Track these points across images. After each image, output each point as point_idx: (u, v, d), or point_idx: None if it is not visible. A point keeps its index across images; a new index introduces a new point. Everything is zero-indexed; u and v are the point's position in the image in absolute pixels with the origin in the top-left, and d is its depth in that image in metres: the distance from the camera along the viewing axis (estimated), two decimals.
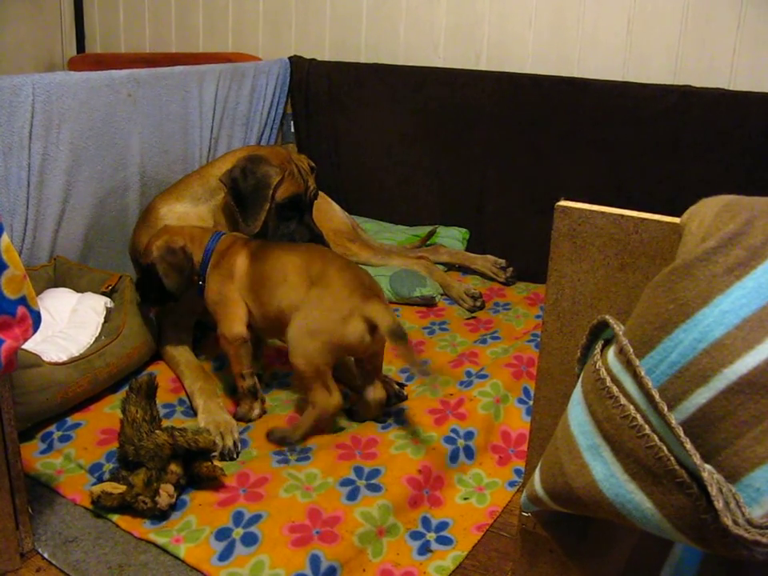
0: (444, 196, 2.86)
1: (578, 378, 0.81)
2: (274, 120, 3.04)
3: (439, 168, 2.84)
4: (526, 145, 2.64)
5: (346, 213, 2.77)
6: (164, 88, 2.52)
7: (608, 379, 0.73)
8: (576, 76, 2.57)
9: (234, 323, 1.84)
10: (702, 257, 0.72)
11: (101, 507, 1.50)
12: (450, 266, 2.69)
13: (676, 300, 0.71)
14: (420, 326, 2.31)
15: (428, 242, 2.77)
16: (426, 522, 1.52)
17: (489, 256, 2.65)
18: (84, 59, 3.49)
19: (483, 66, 2.78)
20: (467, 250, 2.77)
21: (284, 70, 3.02)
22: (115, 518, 1.49)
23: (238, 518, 1.47)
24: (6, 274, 1.22)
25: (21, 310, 1.26)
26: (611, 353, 0.74)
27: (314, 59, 3.04)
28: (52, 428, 1.76)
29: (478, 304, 2.42)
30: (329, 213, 2.69)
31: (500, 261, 2.62)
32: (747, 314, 0.69)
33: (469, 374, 2.00)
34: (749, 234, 0.72)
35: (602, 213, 0.82)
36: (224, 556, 1.38)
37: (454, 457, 1.69)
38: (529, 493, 0.83)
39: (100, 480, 1.59)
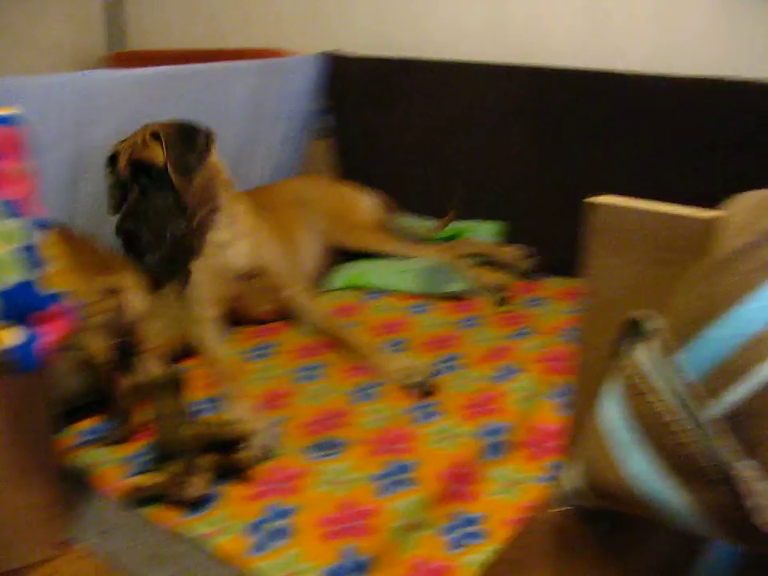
0: (478, 190, 2.85)
1: (613, 372, 0.80)
2: (307, 116, 3.05)
3: (473, 162, 2.83)
4: (560, 139, 2.62)
5: (377, 204, 2.77)
6: (196, 85, 2.53)
7: (639, 375, 0.72)
8: (610, 69, 2.54)
9: None
10: (737, 252, 0.71)
11: (135, 499, 1.52)
12: (477, 258, 2.67)
13: (711, 295, 0.71)
14: (452, 321, 2.30)
15: (458, 236, 2.76)
16: (458, 516, 1.52)
17: (513, 246, 2.64)
18: (118, 57, 3.53)
19: (518, 59, 2.75)
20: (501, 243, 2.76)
21: (317, 65, 3.01)
22: (150, 509, 1.51)
23: (270, 511, 1.48)
24: (44, 269, 1.25)
25: (58, 304, 1.29)
26: (646, 348, 0.74)
27: (347, 54, 3.03)
28: (86, 421, 1.79)
29: (505, 295, 2.43)
30: (354, 204, 2.71)
31: (524, 250, 2.60)
32: None
33: (502, 368, 2.00)
34: None
35: (635, 209, 0.81)
36: (257, 548, 1.39)
37: (487, 451, 1.68)
38: (564, 486, 0.83)
39: (134, 473, 1.61)
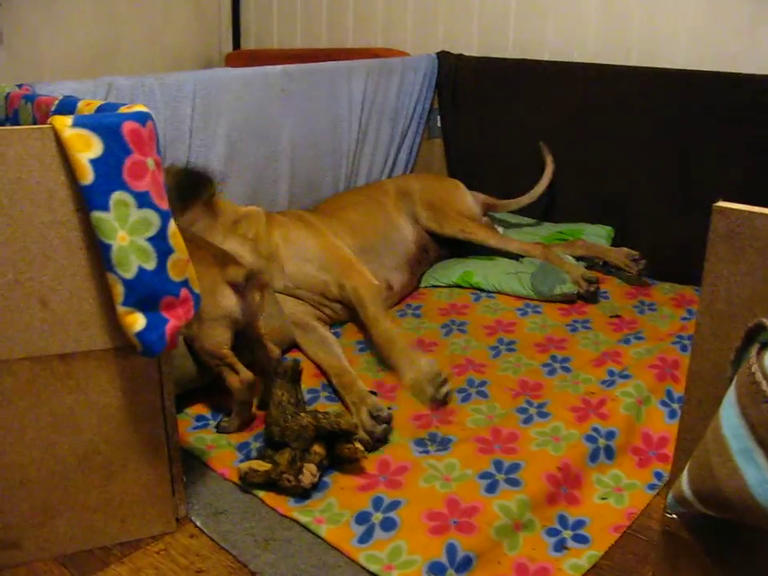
0: (589, 193, 2.81)
1: (731, 380, 0.78)
2: (420, 115, 3.07)
3: (585, 165, 2.79)
4: (675, 142, 2.55)
5: (477, 199, 2.79)
6: (314, 83, 2.59)
7: (764, 383, 0.71)
8: (730, 71, 2.45)
9: None
10: None
11: (248, 483, 1.57)
12: (587, 260, 2.63)
13: None
14: (562, 323, 2.28)
15: (569, 238, 2.72)
16: (562, 519, 1.51)
17: (623, 248, 2.57)
18: (239, 55, 3.64)
19: (634, 61, 2.70)
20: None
21: (431, 65, 3.03)
22: (261, 494, 1.56)
23: (377, 502, 1.50)
24: (172, 258, 1.31)
25: (184, 291, 1.35)
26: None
27: (461, 54, 3.03)
28: (207, 413, 1.86)
29: (592, 289, 2.39)
30: (457, 196, 2.74)
31: (633, 253, 2.54)
32: None
33: (611, 373, 1.96)
34: None
35: (762, 214, 0.79)
36: (364, 539, 1.42)
37: (594, 456, 1.66)
38: (676, 494, 0.82)
39: (248, 457, 1.67)
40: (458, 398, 1.90)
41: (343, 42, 3.49)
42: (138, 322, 1.29)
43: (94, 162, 1.21)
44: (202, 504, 1.55)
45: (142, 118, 1.26)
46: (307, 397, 1.91)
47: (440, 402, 1.78)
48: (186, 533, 1.50)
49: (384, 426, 1.72)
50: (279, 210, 2.57)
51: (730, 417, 0.75)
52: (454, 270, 2.58)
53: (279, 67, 2.48)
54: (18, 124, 1.64)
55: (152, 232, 1.27)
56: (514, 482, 1.56)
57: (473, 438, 1.71)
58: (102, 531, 1.46)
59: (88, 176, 1.21)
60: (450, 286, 2.56)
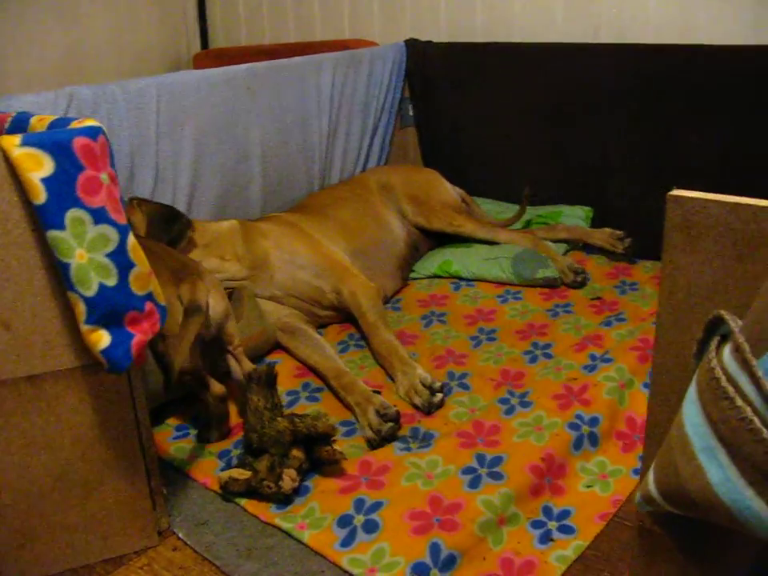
0: (566, 174, 2.79)
1: (697, 373, 0.77)
2: (391, 105, 3.04)
3: (560, 146, 2.77)
4: (650, 118, 2.53)
5: (458, 189, 2.76)
6: (282, 79, 2.56)
7: (723, 379, 0.69)
8: (701, 43, 2.43)
9: None
10: None
11: (229, 492, 1.56)
12: (570, 243, 2.62)
13: None
14: (543, 309, 2.26)
15: (548, 222, 2.71)
16: (547, 510, 1.50)
17: (606, 229, 2.56)
18: (207, 55, 3.60)
19: (603, 38, 2.67)
20: (591, 227, 2.69)
21: (400, 53, 3.00)
22: (243, 502, 1.55)
23: (359, 505, 1.49)
24: (134, 272, 1.29)
25: (148, 305, 1.33)
26: (727, 350, 0.70)
27: (429, 41, 3.00)
28: (184, 419, 1.85)
29: (579, 279, 2.37)
30: (437, 186, 2.71)
31: (617, 232, 2.52)
32: None
33: (593, 357, 1.95)
34: None
35: (717, 201, 0.77)
36: (346, 542, 1.41)
37: (577, 444, 1.65)
38: (643, 492, 0.80)
39: (229, 465, 1.66)
40: None
41: (311, 35, 3.46)
42: (102, 339, 1.27)
43: (45, 180, 1.18)
44: (184, 516, 1.54)
45: (93, 132, 1.23)
46: (287, 398, 1.90)
47: (434, 407, 1.81)
48: (170, 545, 1.49)
49: (390, 424, 1.71)
50: (253, 212, 2.55)
51: (691, 414, 0.74)
52: (432, 261, 2.57)
53: (244, 66, 2.45)
54: None
55: (111, 247, 1.25)
56: (497, 476, 1.55)
57: (455, 433, 1.70)
58: (84, 550, 1.44)
59: (40, 195, 1.18)
60: (429, 277, 2.54)
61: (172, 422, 1.84)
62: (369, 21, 3.27)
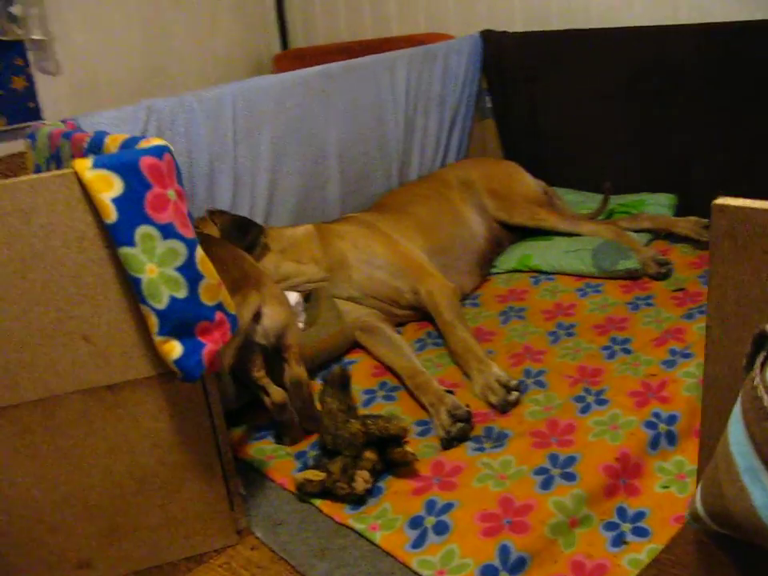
0: (648, 162, 2.71)
1: (744, 391, 0.75)
2: (468, 98, 3.02)
3: (642, 132, 2.69)
4: (735, 101, 2.43)
5: (539, 181, 2.72)
6: (356, 79, 2.58)
7: (766, 398, 0.67)
8: None
9: None
10: None
11: (304, 493, 1.60)
12: (654, 233, 2.55)
13: None
14: (624, 302, 2.21)
15: (630, 211, 2.64)
16: (621, 512, 1.47)
17: (691, 217, 2.48)
18: (287, 55, 3.66)
19: (683, 18, 2.58)
20: (675, 215, 2.61)
21: (475, 45, 2.98)
22: (318, 502, 1.58)
23: (430, 506, 1.50)
24: (203, 284, 1.33)
25: (218, 315, 1.37)
26: None
27: (505, 32, 2.96)
28: (265, 420, 1.89)
29: (664, 271, 2.30)
30: (519, 180, 2.68)
31: (703, 221, 2.44)
32: None
33: (673, 352, 1.90)
34: None
35: (764, 210, 0.75)
36: (417, 543, 1.43)
37: (654, 443, 1.62)
38: (691, 510, 0.79)
39: (305, 466, 1.70)
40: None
41: (388, 31, 3.46)
42: (175, 349, 1.32)
43: (115, 200, 1.24)
44: (261, 515, 1.59)
45: (158, 151, 1.28)
46: (364, 397, 1.93)
47: (510, 406, 1.80)
48: (248, 544, 1.54)
49: (461, 424, 1.71)
50: (331, 212, 2.59)
51: (736, 433, 0.72)
52: (512, 255, 2.54)
53: (318, 68, 2.48)
54: (60, 161, 1.70)
55: (180, 261, 1.30)
56: (570, 477, 1.53)
57: (529, 432, 1.69)
58: (167, 548, 1.51)
59: (112, 214, 1.24)
60: (509, 272, 2.52)
61: (252, 422, 1.89)
62: (444, 14, 3.25)
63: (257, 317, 1.77)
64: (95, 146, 1.50)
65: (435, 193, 2.56)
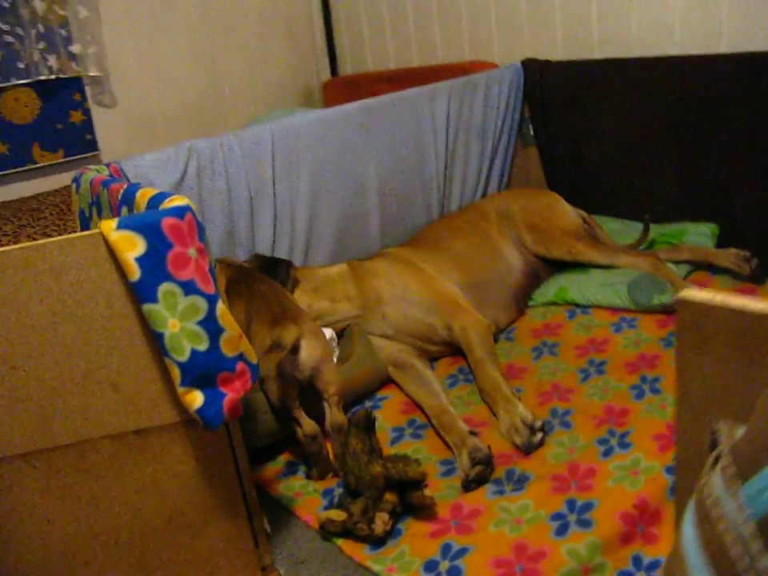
0: (690, 190, 2.69)
1: (697, 489, 0.77)
2: (510, 127, 3.04)
3: (684, 161, 2.67)
4: None
5: (579, 211, 2.71)
6: (396, 113, 2.63)
7: (710, 500, 0.69)
8: None
9: None
10: None
11: (327, 532, 1.65)
12: (695, 264, 2.53)
13: None
14: (658, 338, 2.21)
15: (671, 241, 2.63)
16: (637, 560, 1.48)
17: (731, 249, 2.45)
18: (335, 82, 3.73)
19: (725, 47, 2.56)
20: (717, 246, 2.58)
21: (517, 75, 3.00)
22: (340, 542, 1.63)
23: (446, 550, 1.54)
24: (224, 336, 1.39)
25: (240, 365, 1.43)
26: (720, 470, 0.70)
27: (546, 60, 2.98)
28: (296, 455, 1.96)
29: None
30: (558, 212, 2.67)
31: (743, 253, 2.41)
32: None
33: None
34: None
35: (723, 307, 0.77)
36: None
37: (674, 489, 1.61)
38: None
39: (331, 503, 1.75)
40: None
41: (434, 58, 3.50)
42: (196, 399, 1.38)
43: (139, 259, 1.31)
44: (285, 553, 1.64)
45: (180, 211, 1.35)
46: (393, 435, 1.97)
47: (533, 447, 1.82)
48: None
49: (479, 467, 1.73)
50: (371, 245, 2.64)
51: (687, 527, 0.74)
52: (549, 288, 2.55)
53: (357, 103, 2.54)
54: (100, 207, 1.80)
55: (201, 316, 1.36)
56: (586, 523, 1.54)
57: (549, 476, 1.70)
58: None
59: (135, 273, 1.31)
60: (546, 305, 2.53)
61: (283, 458, 1.95)
62: (488, 42, 3.27)
63: (294, 350, 1.84)
64: (128, 198, 1.59)
65: (473, 226, 2.59)
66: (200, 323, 1.36)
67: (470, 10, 3.29)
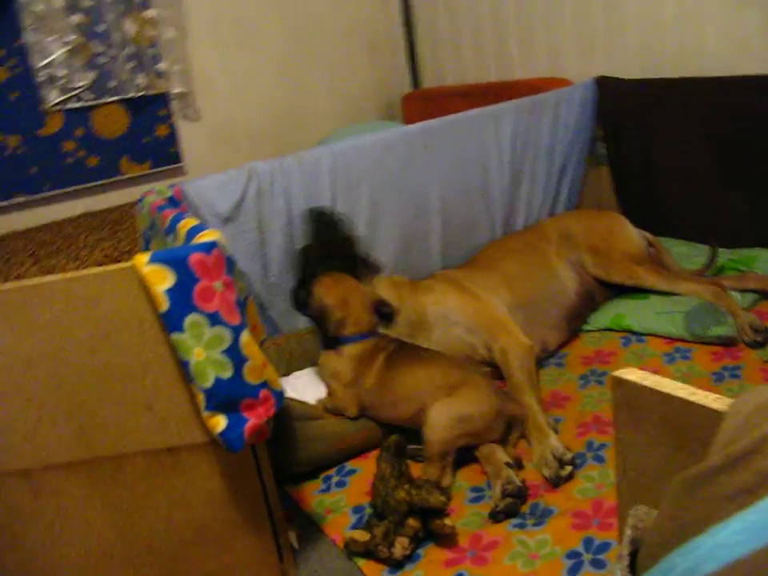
0: (762, 215, 2.60)
1: None
2: (581, 146, 3.01)
3: (755, 184, 2.59)
4: None
5: (645, 234, 2.66)
6: (459, 133, 2.66)
7: None
8: None
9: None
10: (719, 467, 0.66)
11: (350, 551, 1.71)
12: (762, 294, 2.45)
13: (678, 518, 0.67)
14: (710, 371, 2.16)
15: (739, 268, 2.55)
16: None
17: None
18: (414, 96, 3.78)
19: None
20: None
21: (589, 92, 2.96)
22: (361, 562, 1.69)
23: None
24: (247, 365, 1.47)
25: (263, 392, 1.51)
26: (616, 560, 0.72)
27: (619, 78, 2.93)
28: (333, 472, 2.03)
29: (760, 339, 2.20)
30: (621, 235, 2.63)
31: None
32: (742, 554, 0.61)
33: None
34: (763, 455, 0.64)
35: (651, 389, 0.78)
36: None
37: None
38: None
39: (360, 522, 1.81)
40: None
41: (510, 73, 3.50)
42: (220, 423, 1.47)
43: (168, 291, 1.40)
44: (309, 570, 1.71)
45: (208, 247, 1.43)
46: None
47: (562, 481, 1.82)
48: None
49: (510, 500, 1.75)
50: (434, 264, 2.68)
51: None
52: (606, 313, 2.53)
53: (419, 125, 2.58)
54: (156, 232, 1.91)
55: (225, 345, 1.44)
56: (600, 564, 1.55)
57: (572, 512, 1.71)
58: None
59: (164, 304, 1.41)
60: (601, 330, 2.51)
61: (323, 473, 2.02)
62: (564, 58, 3.25)
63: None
64: (172, 227, 1.69)
65: (529, 246, 2.59)
66: (224, 352, 1.45)
67: (546, 25, 3.28)
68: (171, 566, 1.64)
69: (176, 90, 3.26)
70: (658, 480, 0.81)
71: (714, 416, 0.74)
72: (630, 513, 0.73)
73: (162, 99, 3.26)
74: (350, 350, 2.10)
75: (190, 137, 3.37)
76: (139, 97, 3.17)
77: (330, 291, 2.13)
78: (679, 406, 0.76)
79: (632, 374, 0.80)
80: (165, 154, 3.29)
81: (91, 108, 3.11)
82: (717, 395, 0.75)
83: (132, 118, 3.19)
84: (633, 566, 0.73)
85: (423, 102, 3.56)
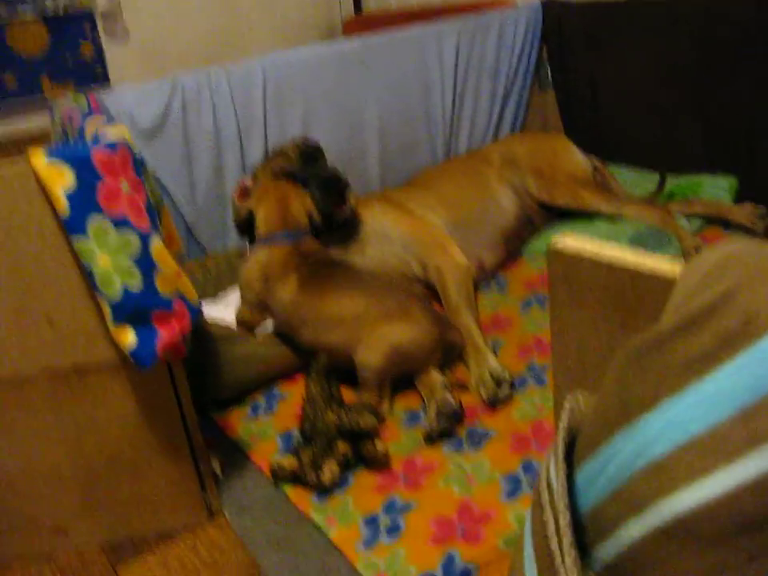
0: (710, 140, 2.53)
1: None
2: (526, 69, 2.90)
3: (704, 109, 2.51)
4: None
5: (591, 158, 2.58)
6: (400, 51, 2.52)
7: (543, 483, 0.62)
8: None
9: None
10: (662, 336, 0.56)
11: (277, 478, 1.61)
12: (707, 219, 2.39)
13: (623, 395, 0.57)
14: None
15: (687, 193, 2.49)
16: None
17: (747, 204, 2.31)
18: (357, 20, 3.61)
19: None
20: (737, 201, 2.43)
21: (535, 15, 2.84)
22: (288, 489, 1.59)
23: (389, 505, 1.49)
24: (159, 274, 1.35)
25: (177, 304, 1.38)
26: (555, 453, 0.63)
27: (567, 1, 2.81)
28: (261, 398, 1.92)
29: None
30: (565, 157, 2.55)
31: (759, 208, 2.27)
32: (698, 431, 0.52)
33: None
34: (724, 313, 0.54)
35: (593, 261, 0.68)
36: (368, 542, 1.42)
37: None
38: None
39: (287, 448, 1.71)
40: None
41: None
42: (129, 337, 1.34)
43: (68, 191, 1.26)
44: (233, 498, 1.61)
45: (112, 144, 1.29)
46: None
47: (499, 402, 1.75)
48: (218, 525, 1.57)
49: (444, 420, 1.66)
50: (371, 184, 2.57)
51: (528, 511, 0.67)
52: (549, 237, 2.44)
53: (357, 40, 2.45)
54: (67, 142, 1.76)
55: (133, 252, 1.31)
56: None
57: (511, 434, 1.64)
58: (137, 522, 1.56)
59: (64, 206, 1.26)
60: (544, 254, 2.42)
61: (250, 399, 1.92)
62: None
63: None
64: (82, 128, 1.54)
65: (470, 169, 2.50)
66: (132, 259, 1.32)
67: None
68: (83, 495, 1.52)
69: (100, 8, 3.03)
70: (601, 365, 0.71)
71: (667, 285, 0.64)
72: (567, 398, 0.63)
73: (87, 17, 3.03)
74: (260, 252, 1.98)
75: (117, 57, 3.16)
76: (61, 15, 2.94)
77: (258, 191, 2.02)
78: (626, 278, 0.66)
79: (569, 245, 0.70)
80: (90, 75, 3.07)
81: (5, 24, 2.87)
82: (669, 259, 0.65)
83: (52, 35, 2.96)
84: (570, 458, 0.64)
85: (365, 27, 3.39)
